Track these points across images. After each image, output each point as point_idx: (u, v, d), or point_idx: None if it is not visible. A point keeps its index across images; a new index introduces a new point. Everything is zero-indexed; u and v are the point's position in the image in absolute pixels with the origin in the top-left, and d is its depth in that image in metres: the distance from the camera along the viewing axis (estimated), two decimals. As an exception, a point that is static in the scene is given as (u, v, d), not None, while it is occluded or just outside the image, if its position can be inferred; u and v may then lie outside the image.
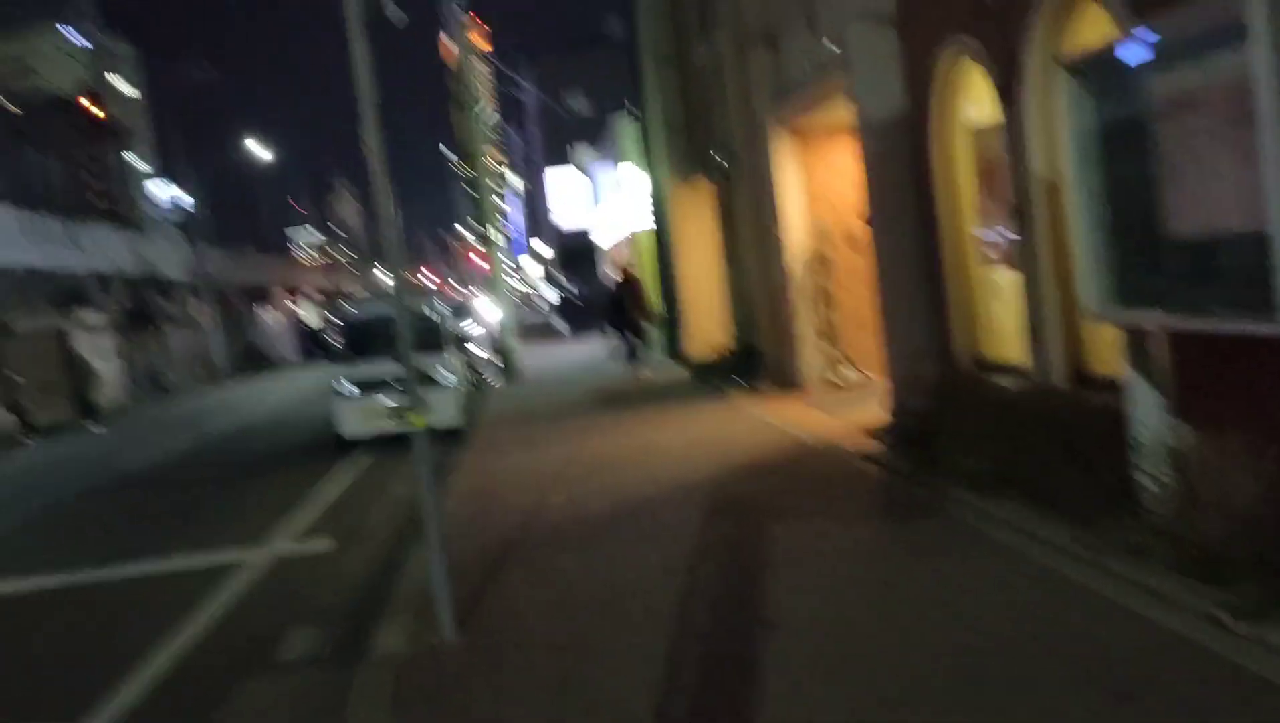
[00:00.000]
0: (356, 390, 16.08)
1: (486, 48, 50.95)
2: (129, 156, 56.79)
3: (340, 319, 17.15)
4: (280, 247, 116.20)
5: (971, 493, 6.92)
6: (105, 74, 53.58)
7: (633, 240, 27.55)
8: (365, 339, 17.23)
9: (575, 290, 35.02)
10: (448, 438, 16.07)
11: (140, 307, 46.28)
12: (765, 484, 8.69)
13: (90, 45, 46.45)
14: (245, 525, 11.44)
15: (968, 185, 8.58)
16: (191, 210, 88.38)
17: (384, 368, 16.46)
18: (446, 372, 16.24)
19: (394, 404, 16.85)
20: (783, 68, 13.00)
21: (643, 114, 21.09)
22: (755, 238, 14.34)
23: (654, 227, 21.63)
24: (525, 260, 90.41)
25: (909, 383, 9.27)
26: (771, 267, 13.92)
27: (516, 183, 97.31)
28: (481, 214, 24.26)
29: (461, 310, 35.47)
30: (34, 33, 54.75)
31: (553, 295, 76.84)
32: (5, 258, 32.74)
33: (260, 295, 66.72)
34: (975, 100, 8.35)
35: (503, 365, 24.16)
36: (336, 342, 16.91)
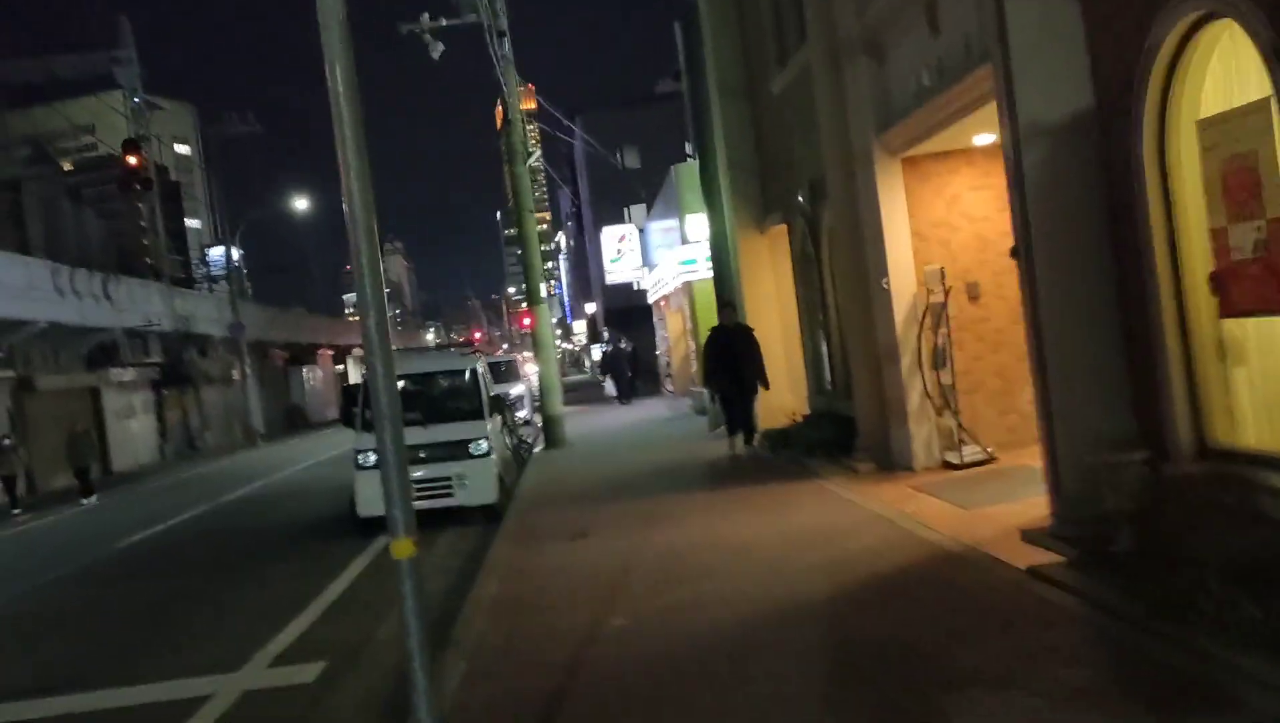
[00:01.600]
0: (375, 461, 13.86)
1: (532, 105, 49.50)
2: (166, 209, 55.91)
3: (362, 378, 15.02)
4: (336, 309, 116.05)
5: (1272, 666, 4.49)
6: (155, 133, 52.89)
7: (689, 294, 25.34)
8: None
9: (624, 344, 33.53)
10: (479, 517, 13.84)
11: (176, 364, 44.73)
12: (907, 615, 6.28)
13: (142, 104, 45.45)
14: (227, 636, 9.18)
15: (1196, 200, 6.22)
16: (240, 267, 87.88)
17: (413, 433, 14.31)
18: (483, 439, 14.01)
19: (422, 476, 14.68)
20: (891, 81, 10.78)
21: (706, 157, 18.98)
22: (850, 288, 12.04)
23: (715, 278, 19.40)
24: (576, 325, 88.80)
25: (1088, 474, 6.88)
26: (872, 322, 11.60)
27: (564, 245, 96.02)
28: (527, 269, 22.22)
29: (505, 370, 33.49)
30: (94, 97, 54.73)
31: (598, 354, 75.13)
32: (31, 312, 31.17)
33: (307, 356, 65.32)
34: (1220, 82, 6.04)
35: (545, 430, 21.93)
36: (356, 405, 14.77)
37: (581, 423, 25.73)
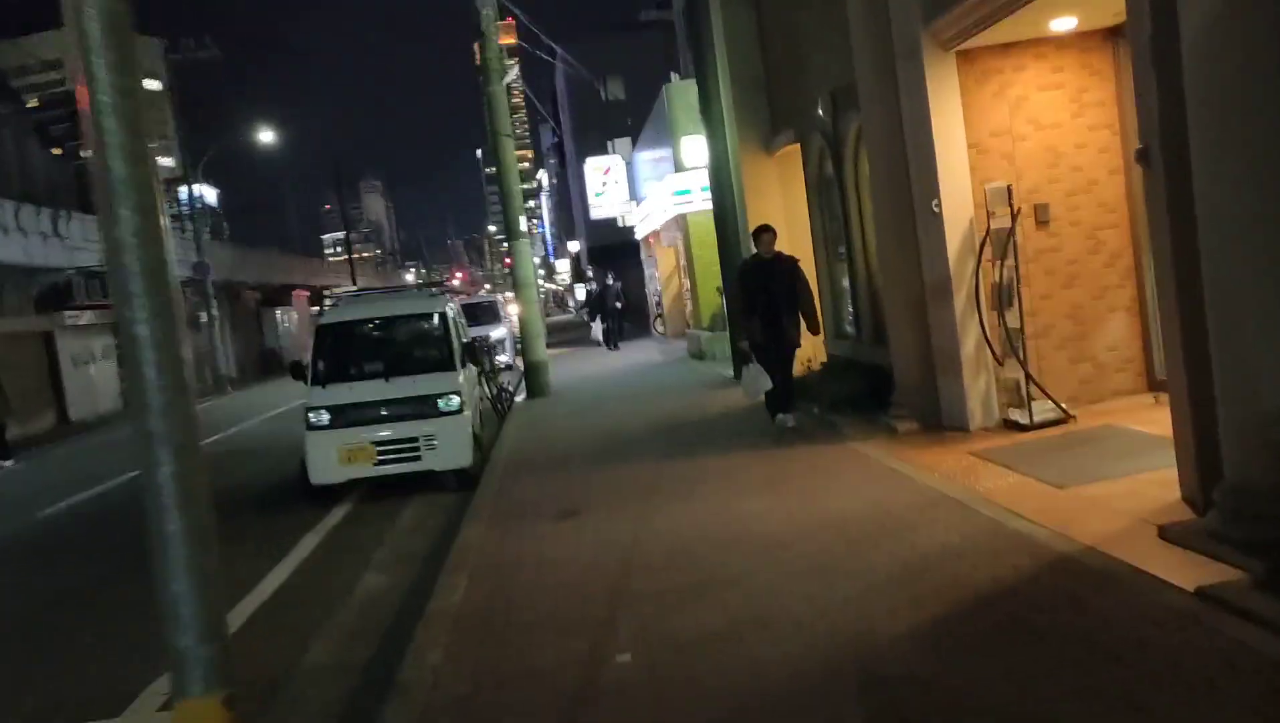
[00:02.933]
0: (329, 420, 11.94)
1: (511, 40, 46.81)
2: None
3: (315, 322, 13.02)
4: (315, 250, 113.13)
5: None
6: None
7: (682, 228, 23.29)
8: (346, 349, 13.07)
9: (611, 281, 30.85)
10: (452, 482, 11.95)
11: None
12: (1052, 671, 4.37)
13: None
14: (115, 658, 7.27)
15: None
16: (213, 207, 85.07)
17: (372, 388, 12.37)
18: (454, 394, 12.07)
19: (384, 437, 12.72)
20: (948, -47, 8.72)
21: (705, 73, 16.86)
22: (887, 215, 10.06)
23: (715, 208, 17.38)
24: (559, 264, 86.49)
25: (1262, 451, 5.00)
26: (915, 254, 9.64)
27: (546, 184, 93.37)
28: (505, 200, 20.11)
29: (484, 311, 31.37)
30: (60, 31, 51.93)
31: (582, 293, 72.86)
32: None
33: (281, 297, 62.92)
34: None
35: (528, 378, 19.99)
36: (311, 353, 12.77)
37: (567, 369, 23.80)
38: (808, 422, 11.49)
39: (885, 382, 11.04)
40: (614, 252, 53.31)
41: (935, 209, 9.21)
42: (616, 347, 28.25)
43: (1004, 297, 8.91)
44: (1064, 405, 8.92)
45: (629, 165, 35.51)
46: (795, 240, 15.43)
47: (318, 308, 13.50)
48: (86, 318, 37.88)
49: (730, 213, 17.00)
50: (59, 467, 20.43)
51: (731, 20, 15.39)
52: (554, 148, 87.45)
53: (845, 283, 13.07)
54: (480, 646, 5.75)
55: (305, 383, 12.49)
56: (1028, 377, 8.88)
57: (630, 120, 40.75)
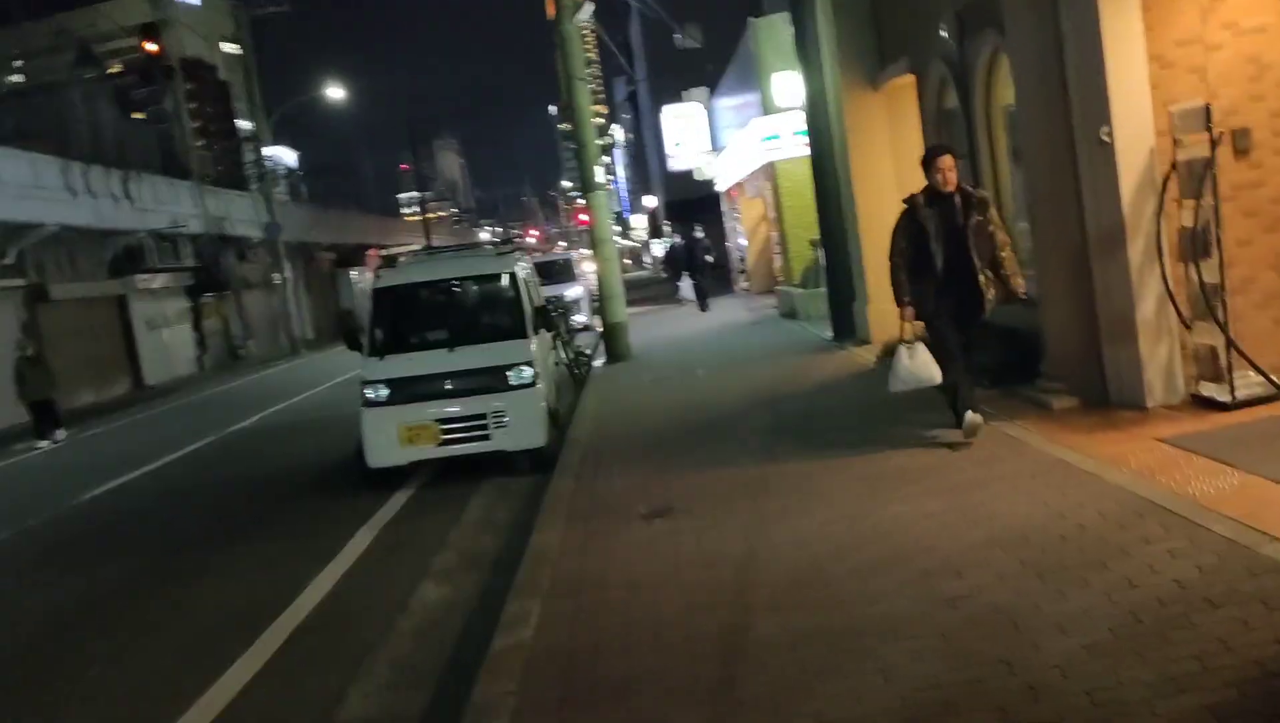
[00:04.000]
0: (388, 395, 10.63)
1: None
2: (216, 110, 52.70)
3: (377, 286, 11.66)
4: (391, 209, 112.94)
5: None
6: (203, 33, 49.51)
7: (771, 177, 21.58)
8: (406, 315, 11.74)
9: (699, 234, 28.10)
10: (525, 463, 10.61)
11: (211, 268, 41.87)
12: None
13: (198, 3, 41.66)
14: (122, 695, 6.01)
15: None
16: (291, 169, 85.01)
17: (435, 359, 11.02)
18: (526, 365, 10.68)
19: (450, 414, 11.34)
20: None
21: (799, 5, 15.14)
22: (1039, 148, 8.36)
23: (813, 154, 15.71)
24: (635, 220, 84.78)
25: None
26: (1073, 195, 7.96)
27: (621, 138, 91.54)
28: (580, 151, 18.62)
29: (559, 269, 29.95)
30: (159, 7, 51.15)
31: (659, 249, 71.08)
32: (38, 213, 28.18)
33: (356, 257, 62.22)
34: None
35: (607, 341, 18.59)
36: (365, 321, 11.44)
37: (647, 330, 22.30)
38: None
39: (1028, 348, 9.40)
40: (692, 206, 51.57)
41: (1105, 138, 7.51)
42: (707, 307, 25.95)
43: (1197, 244, 7.20)
44: (1274, 377, 7.22)
45: (709, 113, 33.75)
46: (906, 185, 13.72)
47: (374, 271, 12.16)
48: (160, 281, 37.33)
49: (829, 156, 15.32)
50: (116, 440, 19.50)
51: (832, -63, 13.63)
52: (629, 100, 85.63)
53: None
54: (558, 714, 4.33)
55: (362, 353, 11.19)
56: (1229, 343, 7.18)
57: (710, 68, 38.83)
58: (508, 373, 10.64)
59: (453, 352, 10.82)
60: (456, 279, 11.91)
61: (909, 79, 12.52)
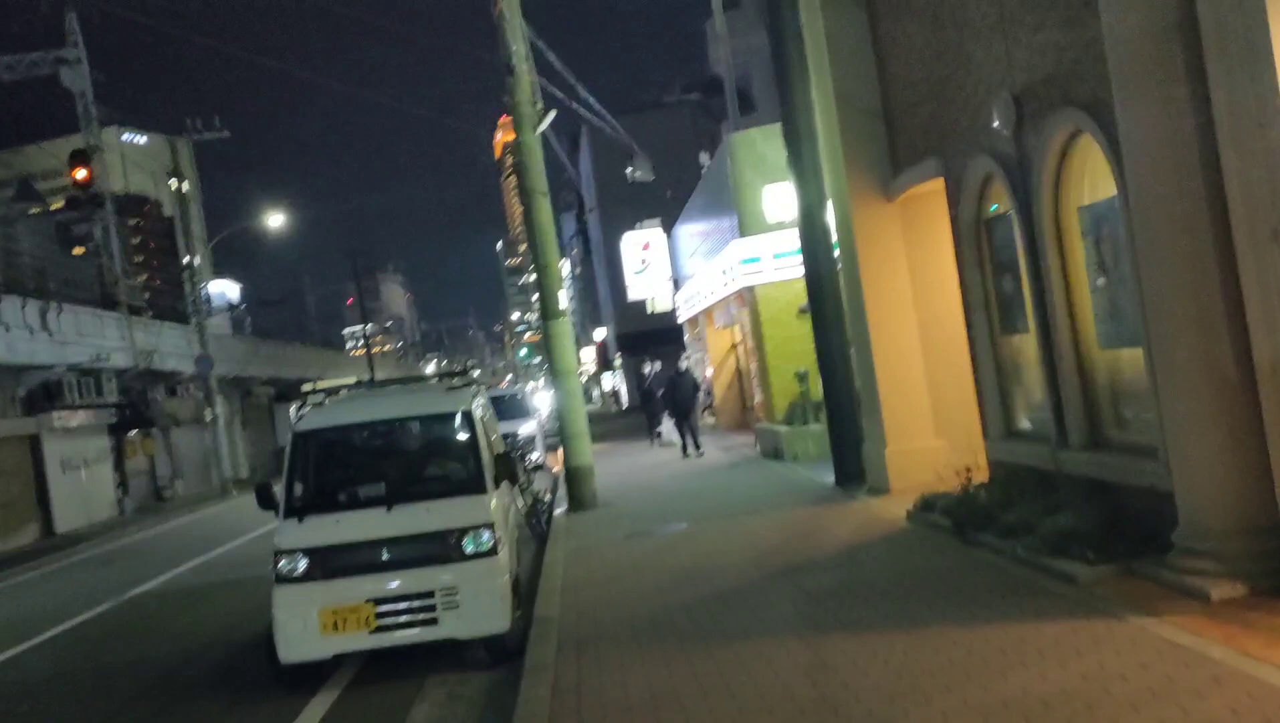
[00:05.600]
0: (307, 567, 8.30)
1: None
2: (159, 245, 50.80)
3: (298, 429, 9.36)
4: (336, 342, 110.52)
5: None
6: (150, 169, 48.09)
7: (749, 303, 19.73)
8: (333, 466, 9.46)
9: (684, 365, 23.10)
10: (481, 653, 8.28)
11: (138, 404, 39.14)
12: None
13: (91, 109, 39.97)
14: None
15: None
16: (234, 303, 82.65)
17: (369, 521, 8.73)
18: (484, 527, 8.43)
19: (387, 592, 8.74)
20: None
21: (793, 104, 13.48)
22: (1166, 256, 6.41)
23: (808, 274, 13.85)
24: (584, 353, 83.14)
25: None
26: (1229, 314, 6.00)
27: (569, 271, 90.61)
28: (541, 273, 16.64)
29: (511, 404, 27.68)
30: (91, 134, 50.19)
31: (609, 384, 69.15)
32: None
33: (296, 392, 59.57)
34: None
35: (571, 485, 16.33)
36: (286, 474, 9.11)
37: (611, 470, 20.03)
38: (1010, 565, 7.76)
39: (1125, 507, 7.36)
40: (645, 339, 49.98)
41: (1280, 235, 5.59)
42: (700, 451, 20.84)
43: None
44: None
45: (669, 242, 32.28)
46: (925, 310, 11.87)
47: (295, 407, 9.91)
48: (79, 419, 34.52)
49: (829, 277, 13.48)
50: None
51: (836, 30, 11.97)
52: (577, 236, 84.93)
53: (1030, 362, 9.41)
54: None
55: (276, 514, 8.85)
56: None
57: (670, 194, 37.62)
58: (462, 538, 8.37)
59: (392, 511, 8.52)
60: (398, 420, 9.64)
61: (934, 184, 10.72)
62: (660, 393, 23.23)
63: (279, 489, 8.95)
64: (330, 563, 8.28)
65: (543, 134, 16.97)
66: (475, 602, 8.25)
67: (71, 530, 31.08)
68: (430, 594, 8.19)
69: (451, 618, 8.20)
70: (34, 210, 47.06)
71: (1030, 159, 8.45)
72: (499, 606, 8.30)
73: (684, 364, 22.39)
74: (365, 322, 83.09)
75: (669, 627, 7.74)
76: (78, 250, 47.75)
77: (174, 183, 58.04)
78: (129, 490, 37.50)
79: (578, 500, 15.99)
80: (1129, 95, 6.48)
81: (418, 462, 9.50)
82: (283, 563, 8.32)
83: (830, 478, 13.89)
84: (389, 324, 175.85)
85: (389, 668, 8.48)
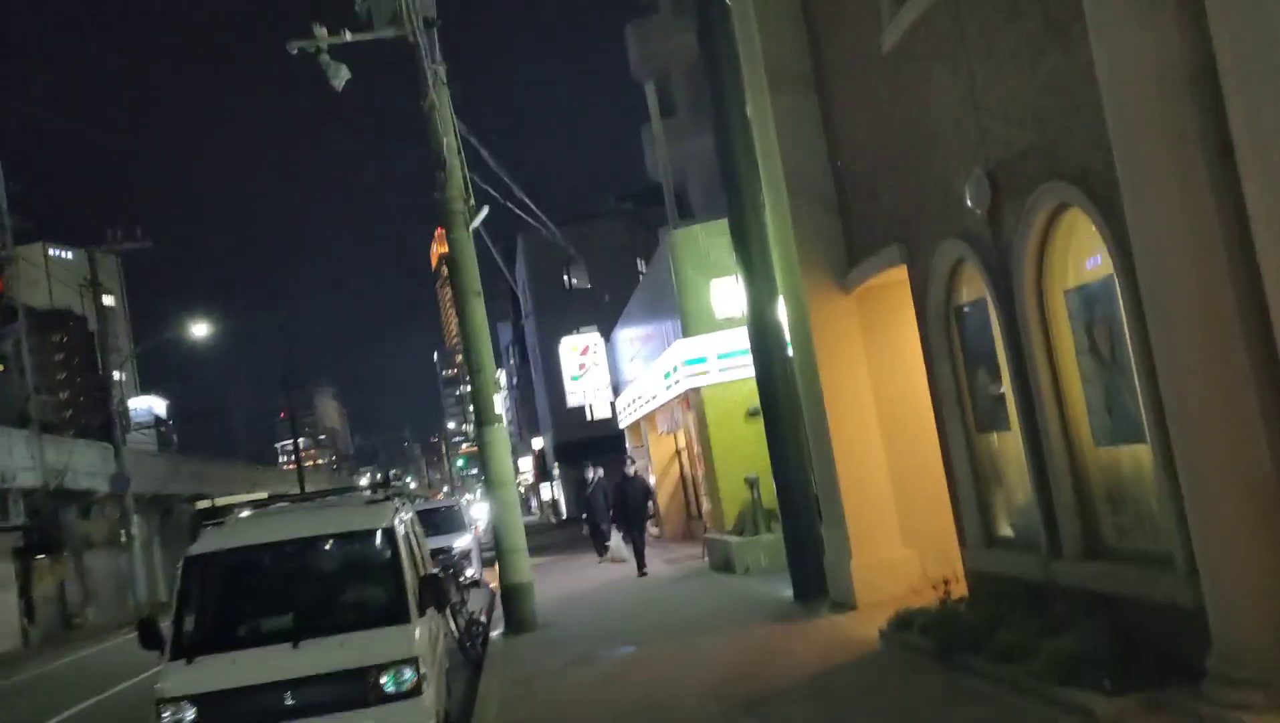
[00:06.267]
0: (194, 718, 7.09)
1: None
2: (81, 361, 49.03)
3: (190, 554, 8.14)
4: (269, 458, 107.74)
5: None
6: (76, 284, 46.63)
7: (695, 406, 18.85)
8: (236, 596, 8.30)
9: (633, 471, 20.65)
10: None
11: (47, 526, 36.99)
12: None
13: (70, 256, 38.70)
14: None
15: None
16: (161, 418, 79.89)
17: (271, 660, 7.53)
18: (406, 664, 7.31)
19: None
20: None
21: (740, 196, 12.81)
22: (1186, 342, 5.62)
23: (758, 375, 13.02)
24: (521, 462, 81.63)
25: None
26: (1267, 403, 5.20)
27: (504, 381, 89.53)
28: (475, 377, 15.66)
29: (445, 517, 26.27)
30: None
31: (547, 493, 67.57)
32: None
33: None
34: None
35: (507, 606, 15.10)
36: (175, 606, 7.89)
37: (551, 585, 18.78)
38: (1009, 695, 6.79)
39: (1137, 625, 6.47)
40: (586, 446, 48.79)
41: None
42: (644, 570, 18.77)
43: None
44: None
45: (608, 349, 31.48)
46: (885, 407, 11.05)
47: (200, 529, 8.74)
48: (-23, 543, 32.46)
49: (782, 375, 12.64)
50: None
51: (787, 117, 11.33)
52: (513, 345, 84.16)
53: (1012, 462, 8.56)
54: None
55: (161, 654, 7.61)
56: None
57: (608, 298, 37.00)
58: (380, 677, 7.23)
59: (299, 647, 7.36)
60: (307, 540, 8.46)
61: (895, 273, 9.99)
62: (602, 502, 21.83)
63: (167, 624, 7.75)
64: (224, 713, 7.09)
65: (477, 235, 16.15)
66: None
67: (-33, 662, 28.81)
68: (342, 748, 7.01)
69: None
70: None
71: (1009, 240, 7.71)
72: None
73: (631, 469, 20.57)
74: (296, 435, 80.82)
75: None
76: (-1, 368, 46.04)
77: (92, 294, 56.51)
78: (35, 619, 35.17)
79: (516, 621, 14.76)
80: (1134, 160, 5.75)
81: (330, 588, 8.34)
82: (166, 716, 7.09)
83: (788, 592, 12.86)
84: (322, 438, 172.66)
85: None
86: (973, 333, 8.91)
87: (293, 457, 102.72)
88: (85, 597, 38.62)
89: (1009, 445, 8.61)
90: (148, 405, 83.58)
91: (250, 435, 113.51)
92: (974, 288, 8.67)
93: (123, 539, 39.62)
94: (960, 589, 9.17)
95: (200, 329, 46.92)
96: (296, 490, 61.93)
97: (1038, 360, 7.65)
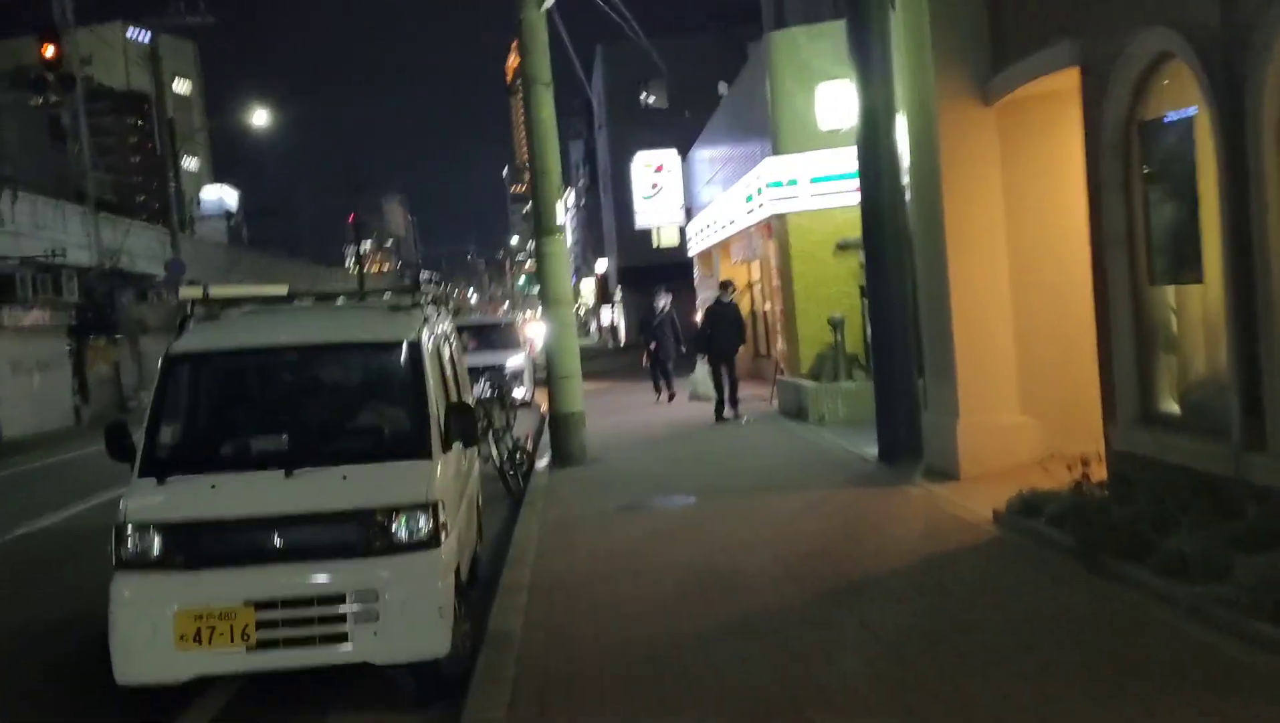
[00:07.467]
0: (161, 551, 5.78)
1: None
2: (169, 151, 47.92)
3: (171, 351, 6.67)
4: (334, 259, 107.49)
5: None
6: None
7: (777, 235, 17.02)
8: (224, 409, 6.88)
9: (727, 298, 16.72)
10: (404, 688, 5.77)
11: (102, 307, 36.45)
12: None
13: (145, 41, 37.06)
14: None
15: None
16: (231, 211, 79.47)
17: (258, 488, 6.13)
18: (419, 509, 5.88)
19: (275, 596, 5.64)
20: None
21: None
22: None
23: (863, 200, 11.16)
24: (584, 285, 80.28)
25: None
26: None
27: (573, 201, 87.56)
28: (537, 180, 13.92)
29: (499, 334, 24.97)
30: (90, 30, 48.91)
31: (607, 317, 66.20)
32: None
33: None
34: None
35: (555, 437, 13.80)
36: (150, 413, 6.48)
37: (603, 418, 17.34)
38: (1192, 624, 5.23)
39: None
40: (650, 273, 47.18)
41: None
42: (739, 416, 16.41)
43: None
44: None
45: (685, 166, 29.43)
46: (1028, 246, 9.23)
47: (185, 321, 7.59)
48: (31, 318, 31.93)
49: (892, 202, 10.80)
50: None
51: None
52: (584, 163, 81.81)
53: (1197, 322, 6.79)
54: None
55: (132, 470, 6.25)
56: None
57: (687, 114, 34.70)
58: (390, 522, 5.82)
59: (293, 477, 5.92)
60: (313, 348, 6.92)
61: (1059, 78, 8.01)
62: (671, 335, 19.38)
63: (140, 434, 6.37)
64: (196, 546, 5.74)
65: (554, 37, 14.21)
66: (403, 613, 5.70)
67: (15, 437, 28.65)
68: (339, 599, 5.66)
69: (367, 635, 5.65)
70: (35, 101, 44.16)
71: (1251, 24, 5.75)
72: (435, 620, 5.74)
73: (726, 296, 16.66)
74: (358, 237, 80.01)
75: (680, 678, 5.21)
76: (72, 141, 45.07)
77: (152, 69, 55.13)
78: (89, 399, 34.98)
79: (564, 454, 13.47)
80: None
81: (338, 409, 6.85)
82: (129, 541, 5.77)
83: (870, 449, 11.34)
84: (389, 244, 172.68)
85: (276, 701, 5.97)
86: (1164, 156, 7.01)
87: (353, 260, 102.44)
88: (140, 380, 38.40)
89: (1194, 301, 6.82)
90: (218, 196, 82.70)
91: (319, 237, 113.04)
92: (1175, 95, 6.73)
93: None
94: (1099, 473, 7.52)
95: (272, 120, 45.46)
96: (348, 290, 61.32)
97: (1269, 193, 5.78)
